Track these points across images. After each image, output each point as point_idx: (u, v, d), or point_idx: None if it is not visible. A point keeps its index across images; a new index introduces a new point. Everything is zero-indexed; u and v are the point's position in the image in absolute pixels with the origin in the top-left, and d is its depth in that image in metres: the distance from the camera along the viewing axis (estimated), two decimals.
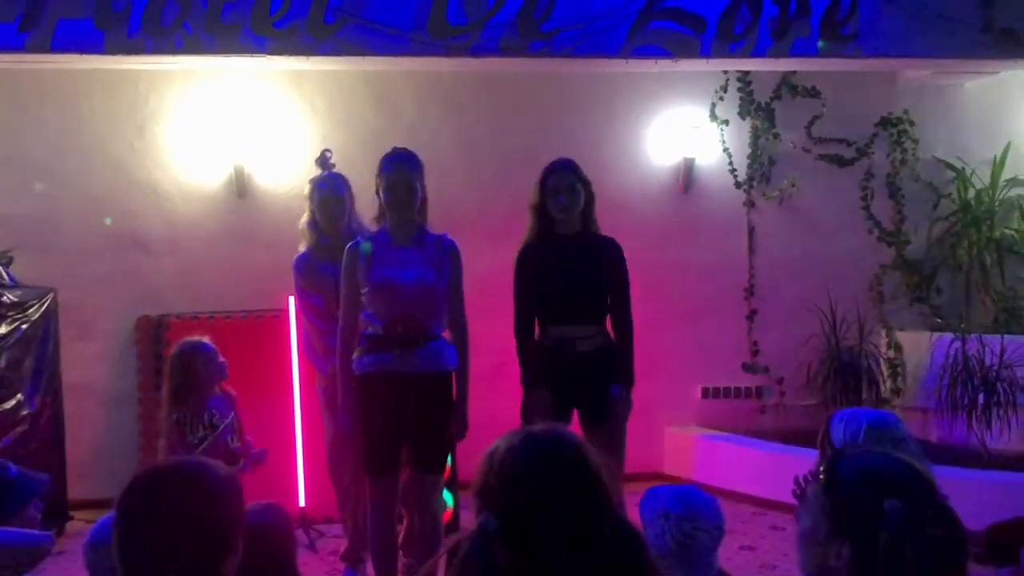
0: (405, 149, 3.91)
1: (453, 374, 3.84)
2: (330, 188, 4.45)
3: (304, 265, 4.46)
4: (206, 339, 3.99)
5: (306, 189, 4.56)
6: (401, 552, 4.14)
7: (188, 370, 3.88)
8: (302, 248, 4.51)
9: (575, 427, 3.99)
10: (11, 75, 5.69)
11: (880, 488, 1.57)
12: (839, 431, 2.77)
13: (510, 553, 1.53)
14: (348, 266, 3.83)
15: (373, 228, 3.99)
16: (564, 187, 3.99)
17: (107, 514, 2.64)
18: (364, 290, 3.78)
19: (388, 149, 3.96)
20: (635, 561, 1.58)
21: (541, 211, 4.05)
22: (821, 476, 1.66)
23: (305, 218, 4.51)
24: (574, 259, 3.99)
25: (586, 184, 4.04)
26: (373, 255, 3.78)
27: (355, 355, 3.81)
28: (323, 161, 4.58)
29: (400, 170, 3.78)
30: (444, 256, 3.84)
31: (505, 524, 1.54)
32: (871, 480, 1.60)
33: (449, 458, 4.69)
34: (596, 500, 1.58)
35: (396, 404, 3.72)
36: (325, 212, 4.40)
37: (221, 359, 3.97)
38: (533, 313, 4.08)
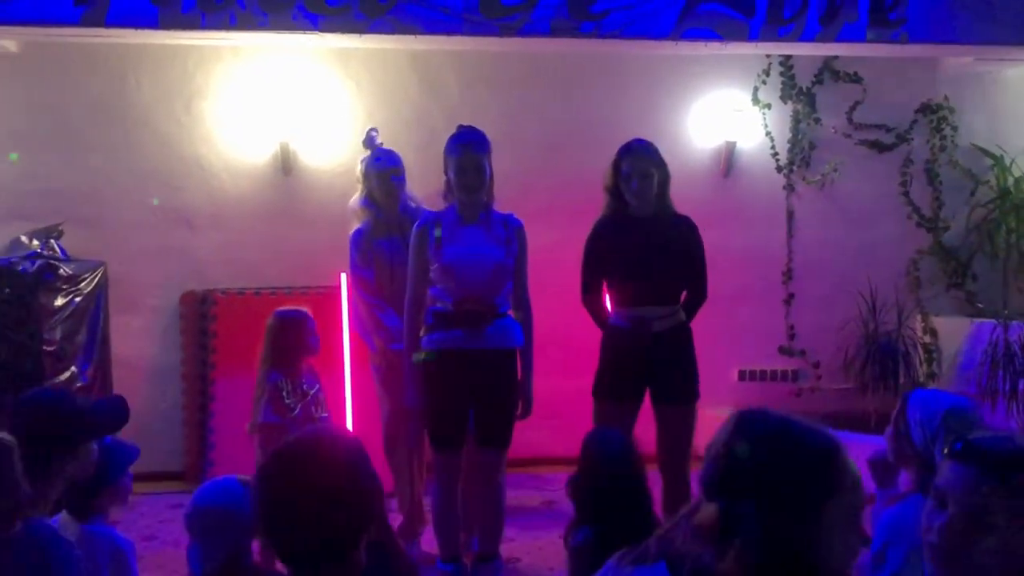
0: (472, 128, 3.93)
1: (518, 352, 3.89)
2: (388, 161, 4.48)
3: (361, 240, 4.46)
4: (307, 311, 4.10)
5: (358, 169, 4.57)
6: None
7: (296, 337, 3.99)
8: (356, 226, 4.54)
9: (647, 406, 4.06)
10: (60, 49, 5.70)
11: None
12: (916, 411, 2.79)
13: None
14: (418, 244, 3.87)
15: (441, 206, 4.02)
16: (637, 172, 3.98)
17: (207, 482, 2.71)
18: (434, 266, 3.82)
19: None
20: None
21: (615, 193, 4.06)
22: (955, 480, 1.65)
23: (357, 198, 4.53)
24: (648, 242, 4.00)
25: (660, 167, 4.04)
26: (443, 234, 3.82)
27: (423, 332, 3.86)
28: (370, 141, 4.59)
29: (469, 152, 3.81)
30: (512, 235, 3.89)
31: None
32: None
33: None
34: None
35: (463, 379, 3.78)
36: (384, 186, 4.42)
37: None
38: (601, 281, 4.13)
